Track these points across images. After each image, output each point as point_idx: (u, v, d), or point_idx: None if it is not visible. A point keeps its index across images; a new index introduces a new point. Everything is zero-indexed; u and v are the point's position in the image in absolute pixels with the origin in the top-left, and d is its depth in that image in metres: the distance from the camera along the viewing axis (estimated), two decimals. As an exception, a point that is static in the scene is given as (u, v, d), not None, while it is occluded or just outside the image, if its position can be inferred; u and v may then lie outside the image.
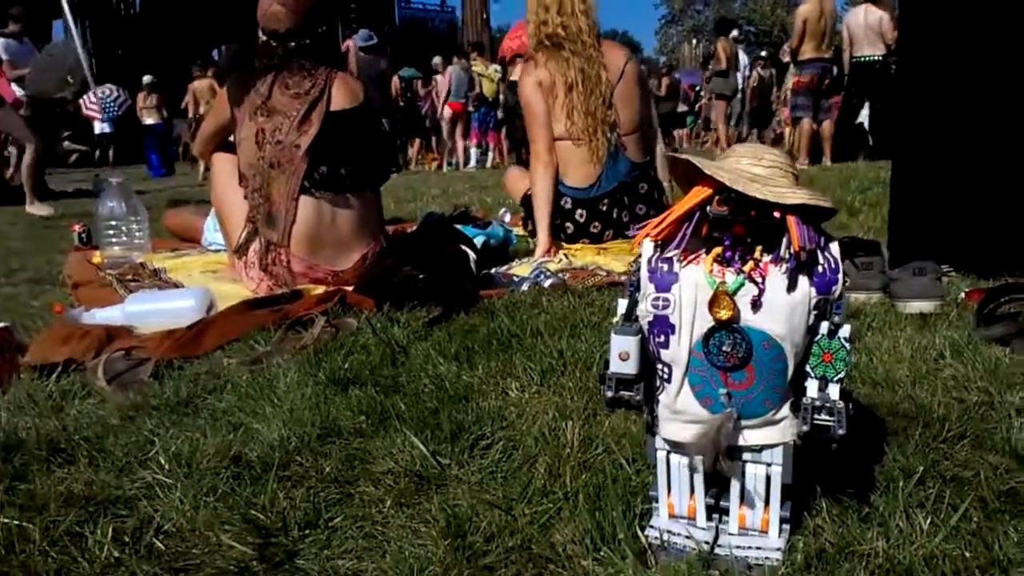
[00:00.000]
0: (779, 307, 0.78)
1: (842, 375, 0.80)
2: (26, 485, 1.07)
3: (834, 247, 0.80)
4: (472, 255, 2.19)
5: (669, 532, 0.84)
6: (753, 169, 0.79)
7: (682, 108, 14.50)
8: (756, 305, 0.78)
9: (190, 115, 10.77)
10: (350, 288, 2.10)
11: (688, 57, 27.66)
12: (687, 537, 0.84)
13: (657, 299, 0.81)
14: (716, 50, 9.52)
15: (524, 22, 3.02)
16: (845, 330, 0.79)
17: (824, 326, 0.80)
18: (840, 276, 0.79)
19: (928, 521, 0.84)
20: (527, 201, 2.94)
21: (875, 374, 1.31)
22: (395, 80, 10.81)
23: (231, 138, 2.40)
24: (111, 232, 2.94)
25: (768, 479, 0.82)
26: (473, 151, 10.77)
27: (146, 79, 12.05)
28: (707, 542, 0.83)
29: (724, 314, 0.78)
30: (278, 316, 1.86)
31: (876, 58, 6.80)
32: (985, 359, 1.35)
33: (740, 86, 9.76)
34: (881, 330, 1.58)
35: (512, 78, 6.81)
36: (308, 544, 0.90)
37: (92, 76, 6.39)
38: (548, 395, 1.30)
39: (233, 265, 2.40)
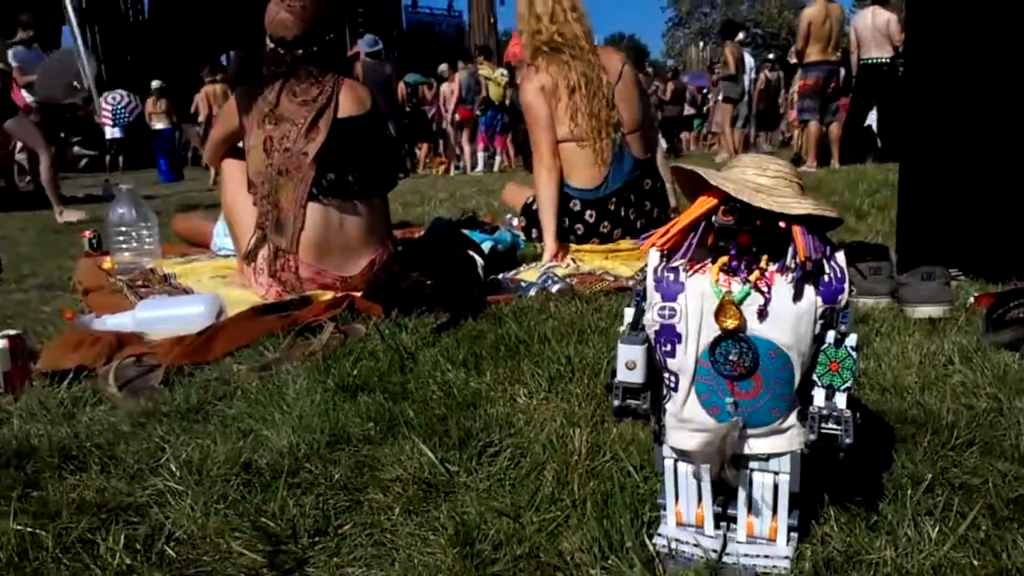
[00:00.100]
0: (785, 316, 0.78)
1: (849, 384, 0.80)
2: (39, 492, 1.08)
3: (840, 256, 0.80)
4: (480, 261, 2.19)
5: (677, 540, 0.84)
6: (758, 179, 0.79)
7: (689, 111, 14.49)
8: (762, 314, 0.78)
9: (201, 119, 10.81)
10: (358, 294, 2.11)
11: (695, 60, 27.64)
12: (695, 545, 0.84)
13: (663, 308, 0.81)
14: (724, 54, 9.51)
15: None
16: (852, 339, 0.80)
17: (831, 335, 0.80)
18: (846, 285, 0.79)
19: (936, 529, 0.84)
20: (528, 210, 2.96)
21: (883, 380, 1.31)
22: (400, 86, 10.84)
23: (240, 144, 2.42)
24: (121, 238, 2.96)
25: (776, 487, 0.82)
26: (480, 155, 10.79)
27: (155, 84, 12.13)
28: (715, 550, 0.83)
29: (730, 323, 0.78)
30: (287, 322, 1.87)
31: (884, 60, 6.79)
32: (994, 365, 1.35)
33: (746, 89, 9.75)
34: (889, 335, 1.58)
35: (519, 82, 6.82)
36: (318, 552, 0.91)
37: (93, 84, 6.40)
38: (556, 402, 1.30)
39: (242, 271, 2.41)
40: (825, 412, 0.79)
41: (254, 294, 2.29)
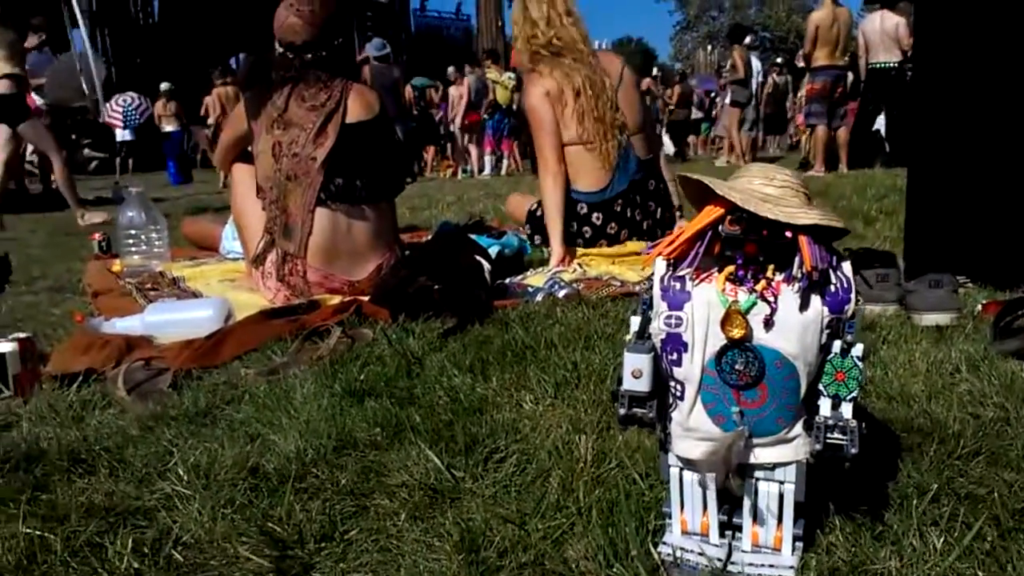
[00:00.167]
0: (791, 326, 0.78)
1: (855, 394, 0.80)
2: (48, 495, 1.08)
3: (846, 266, 0.80)
4: (487, 265, 2.20)
5: (682, 549, 0.85)
6: (765, 189, 0.80)
7: (697, 115, 14.47)
8: (768, 324, 0.78)
9: (211, 120, 10.85)
10: (366, 298, 2.12)
11: (703, 63, 27.64)
12: (700, 554, 0.84)
13: (670, 317, 0.81)
14: (733, 58, 9.50)
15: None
16: (858, 349, 0.80)
17: (837, 345, 0.80)
18: (852, 295, 0.79)
19: (942, 540, 0.84)
20: (532, 217, 2.97)
21: (890, 388, 1.31)
22: (408, 89, 10.86)
23: (249, 149, 2.43)
24: (131, 241, 2.97)
25: (781, 497, 0.82)
26: (488, 158, 10.80)
27: (163, 86, 12.19)
28: (720, 559, 0.83)
29: (737, 333, 0.78)
30: (295, 326, 1.88)
31: (892, 64, 6.77)
32: (1001, 374, 1.34)
33: (754, 93, 9.74)
34: (897, 343, 1.58)
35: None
36: (324, 557, 0.91)
37: (100, 88, 6.44)
38: (562, 408, 1.31)
39: (250, 274, 2.42)
40: (831, 422, 0.79)
41: (262, 298, 2.30)
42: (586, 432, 1.17)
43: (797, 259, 0.77)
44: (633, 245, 2.76)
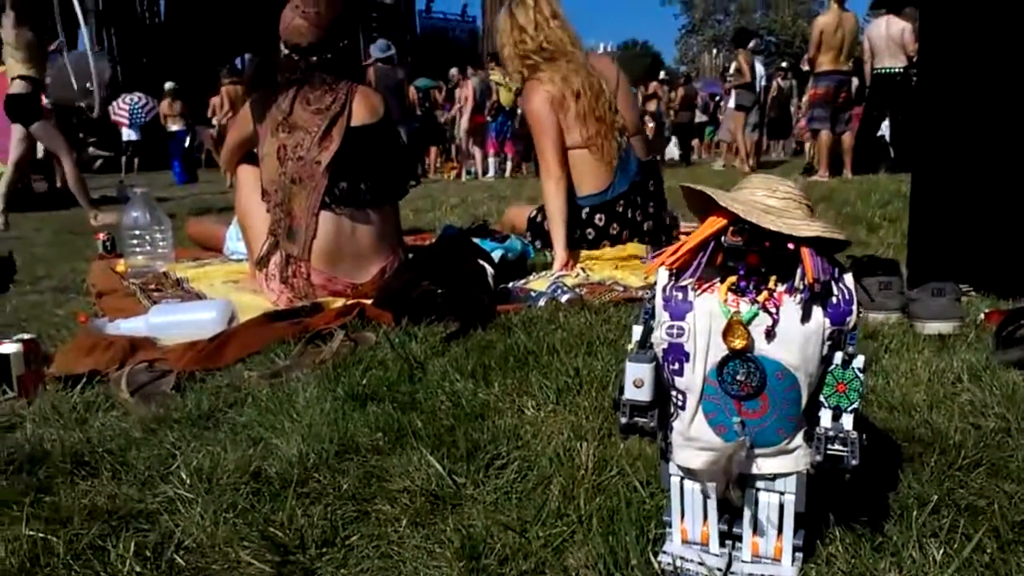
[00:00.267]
0: (793, 337, 0.78)
1: (856, 405, 0.80)
2: (51, 497, 1.09)
3: (848, 278, 0.80)
4: (490, 270, 2.20)
5: (682, 558, 0.85)
6: (767, 200, 0.80)
7: (701, 118, 14.46)
8: (770, 335, 0.79)
9: (218, 118, 10.86)
10: (369, 301, 2.12)
11: (708, 67, 27.60)
12: (700, 563, 0.84)
13: (672, 327, 0.82)
14: (739, 62, 9.50)
15: None
16: (859, 360, 0.80)
17: (838, 356, 0.80)
18: (854, 307, 0.79)
19: (941, 552, 0.85)
20: (533, 224, 2.98)
21: (892, 398, 1.31)
22: (411, 90, 10.87)
23: (254, 150, 2.44)
24: (135, 241, 2.98)
25: (781, 507, 0.83)
26: (491, 160, 10.80)
27: (168, 85, 12.22)
28: (720, 569, 0.84)
29: (738, 343, 0.79)
30: (298, 329, 1.88)
31: (897, 70, 6.77)
32: (1003, 384, 1.34)
33: (758, 96, 9.74)
34: (899, 352, 1.58)
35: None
36: (325, 563, 0.91)
37: (99, 89, 6.44)
38: (564, 414, 1.31)
39: (254, 276, 2.43)
40: (831, 433, 0.80)
41: (265, 300, 2.31)
42: (587, 439, 1.17)
43: (799, 271, 0.78)
44: (634, 248, 2.76)
